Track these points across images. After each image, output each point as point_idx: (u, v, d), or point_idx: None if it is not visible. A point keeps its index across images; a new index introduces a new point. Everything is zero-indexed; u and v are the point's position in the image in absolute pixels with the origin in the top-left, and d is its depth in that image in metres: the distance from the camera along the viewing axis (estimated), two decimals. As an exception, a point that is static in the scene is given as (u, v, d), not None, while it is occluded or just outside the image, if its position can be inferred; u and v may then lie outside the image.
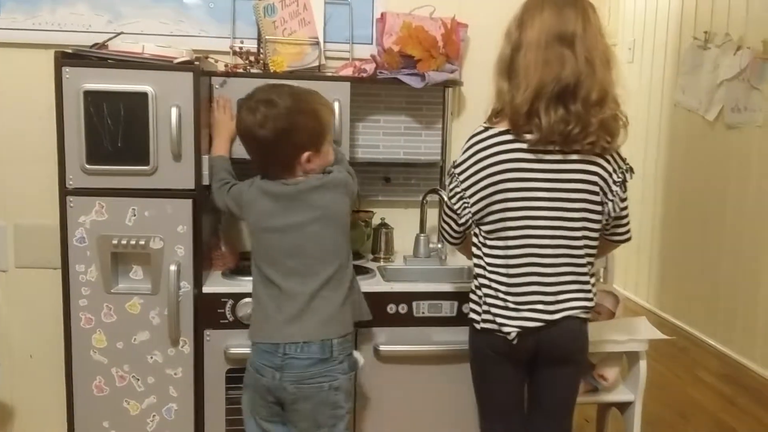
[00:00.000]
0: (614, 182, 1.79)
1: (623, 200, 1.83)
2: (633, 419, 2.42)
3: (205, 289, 2.10)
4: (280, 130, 1.79)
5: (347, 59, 2.51)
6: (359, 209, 2.57)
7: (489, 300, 1.80)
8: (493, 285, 1.80)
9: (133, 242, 2.03)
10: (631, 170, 1.83)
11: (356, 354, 1.96)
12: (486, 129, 1.79)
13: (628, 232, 1.91)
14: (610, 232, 1.88)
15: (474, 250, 1.85)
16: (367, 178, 2.60)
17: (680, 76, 4.38)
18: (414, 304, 2.18)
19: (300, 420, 1.85)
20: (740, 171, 3.85)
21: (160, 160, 2.01)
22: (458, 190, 1.81)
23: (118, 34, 2.32)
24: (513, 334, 1.77)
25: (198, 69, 2.02)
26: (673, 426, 3.07)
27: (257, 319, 1.90)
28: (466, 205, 1.81)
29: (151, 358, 2.08)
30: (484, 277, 1.82)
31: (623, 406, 2.47)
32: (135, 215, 2.03)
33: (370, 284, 2.21)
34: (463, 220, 1.82)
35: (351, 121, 2.45)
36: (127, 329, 2.07)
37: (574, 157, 1.75)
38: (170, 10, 2.46)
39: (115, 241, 2.03)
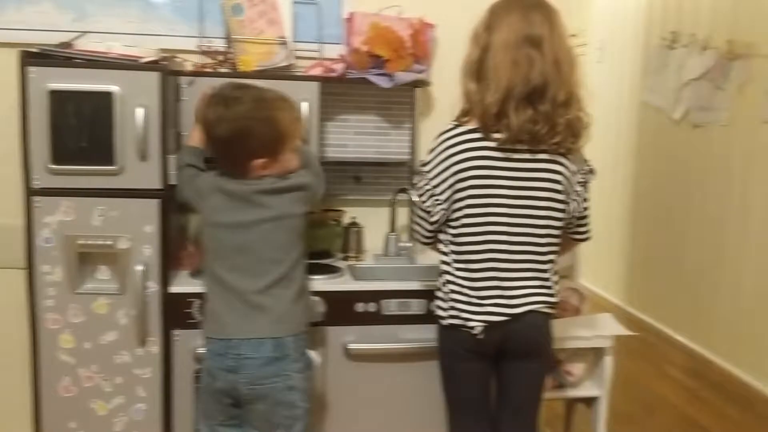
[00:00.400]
0: (578, 182, 1.84)
1: (585, 200, 1.88)
2: (599, 414, 2.47)
3: (173, 289, 2.09)
4: (233, 133, 1.81)
5: (316, 59, 2.52)
6: (330, 208, 2.58)
7: (454, 296, 1.84)
8: (458, 281, 1.83)
9: (99, 242, 2.02)
10: (592, 171, 1.87)
11: (312, 354, 1.97)
12: (455, 127, 1.82)
13: (588, 231, 1.97)
14: (573, 231, 1.92)
15: (441, 246, 1.88)
16: (337, 178, 2.61)
17: (648, 75, 4.45)
18: (383, 302, 2.19)
19: (256, 420, 1.86)
20: (704, 170, 3.93)
21: (127, 160, 2.01)
22: (428, 187, 1.84)
23: (84, 33, 2.31)
24: (478, 329, 1.81)
25: (164, 69, 2.01)
26: (638, 420, 3.13)
27: (207, 315, 1.92)
28: (437, 202, 1.83)
29: (119, 358, 2.07)
30: (449, 273, 1.85)
31: (590, 401, 2.51)
32: (101, 215, 2.02)
33: (338, 283, 2.23)
34: (435, 218, 1.85)
35: (321, 121, 2.47)
36: (94, 329, 2.06)
37: (541, 156, 1.79)
38: (137, 9, 2.44)
39: (81, 241, 2.02)
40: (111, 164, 2.00)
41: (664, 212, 4.32)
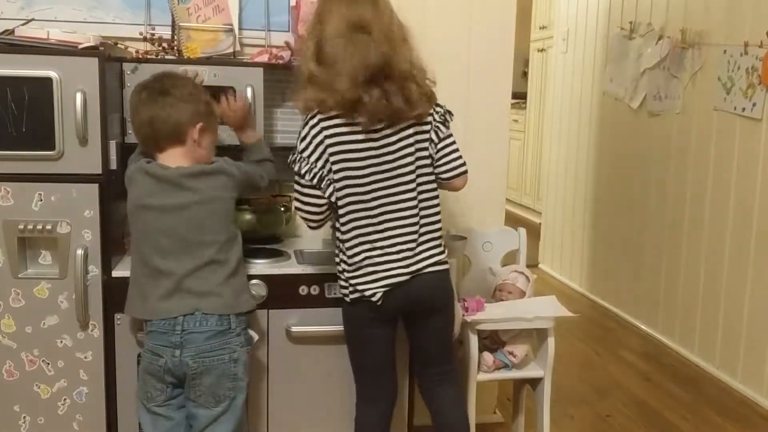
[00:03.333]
0: (436, 123, 1.99)
1: (448, 136, 2.01)
2: (543, 394, 2.52)
3: (115, 273, 2.11)
4: (142, 121, 1.94)
5: (263, 46, 2.54)
6: (278, 194, 2.61)
7: (347, 274, 1.98)
8: (348, 260, 1.96)
9: (39, 227, 2.04)
10: (449, 113, 2.02)
11: (251, 331, 2.03)
12: (318, 113, 1.93)
13: (462, 165, 2.04)
14: (443, 170, 2.02)
15: (332, 230, 2.03)
16: (286, 163, 2.63)
17: (608, 65, 4.50)
18: (326, 285, 2.22)
19: (200, 395, 1.90)
20: (662, 158, 3.99)
21: (66, 145, 2.03)
22: (310, 167, 1.93)
23: (29, 20, 2.32)
24: (378, 295, 1.94)
25: (103, 54, 2.03)
26: (590, 402, 3.19)
27: (132, 296, 1.97)
28: (323, 178, 1.93)
29: (61, 342, 2.09)
30: (342, 252, 1.98)
31: (534, 383, 2.56)
32: (41, 200, 2.04)
33: (283, 267, 2.25)
34: (328, 192, 1.94)
35: (269, 108, 2.51)
36: (35, 314, 2.08)
37: (406, 131, 1.94)
38: (84, -3, 2.46)
39: (21, 226, 2.03)
40: (51, 149, 2.02)
41: (624, 200, 4.38)
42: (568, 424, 2.97)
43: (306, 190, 1.96)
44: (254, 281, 2.14)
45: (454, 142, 2.02)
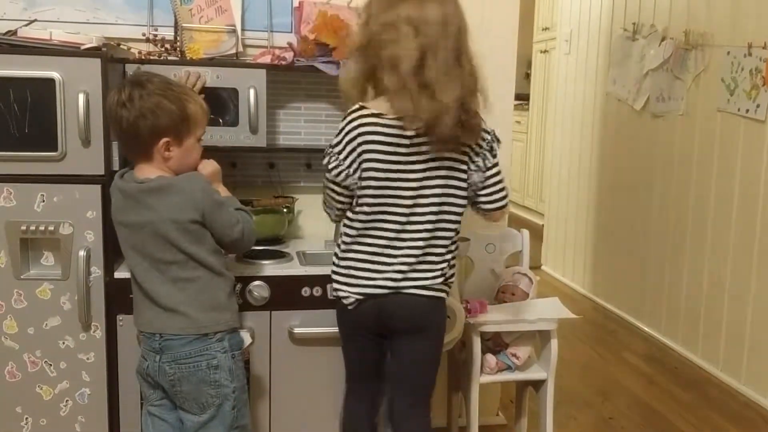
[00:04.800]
0: (484, 150, 1.92)
1: (494, 165, 1.93)
2: (546, 396, 2.51)
3: (117, 275, 2.11)
4: (143, 109, 1.78)
5: (266, 47, 2.54)
6: (281, 195, 2.61)
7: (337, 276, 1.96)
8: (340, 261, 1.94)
9: (42, 228, 2.04)
10: (497, 140, 1.92)
11: (243, 333, 1.98)
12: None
13: (506, 197, 1.97)
14: (487, 201, 1.95)
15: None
16: (289, 165, 2.64)
17: (611, 66, 4.49)
18: (328, 286, 2.21)
19: (183, 402, 1.89)
20: (665, 159, 3.98)
21: (69, 146, 2.02)
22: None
23: (32, 21, 2.32)
24: (351, 299, 1.90)
25: (105, 55, 2.03)
26: (591, 403, 3.18)
27: (134, 304, 1.97)
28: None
29: (63, 343, 2.09)
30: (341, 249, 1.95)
31: (537, 385, 2.55)
32: (44, 201, 2.04)
33: (286, 268, 2.25)
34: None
35: (272, 109, 2.51)
36: (38, 315, 2.08)
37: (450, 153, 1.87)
38: (86, -2, 2.46)
39: (23, 227, 2.03)
40: (53, 150, 2.02)
41: (627, 202, 4.37)
42: (571, 427, 2.96)
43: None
44: (257, 282, 2.14)
45: (499, 172, 1.92)
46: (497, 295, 2.59)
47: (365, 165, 1.83)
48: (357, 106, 1.85)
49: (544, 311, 2.46)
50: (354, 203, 1.89)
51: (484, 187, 1.91)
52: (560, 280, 5.14)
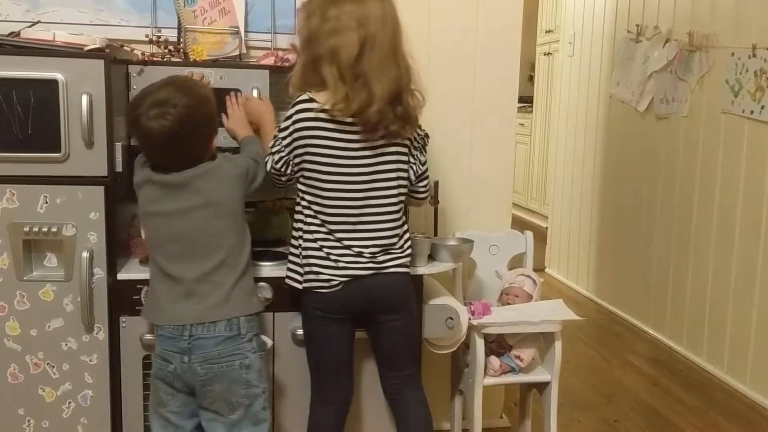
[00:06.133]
0: (418, 145, 2.10)
1: (426, 161, 2.12)
2: (550, 398, 2.50)
3: (120, 276, 2.11)
4: (183, 125, 1.83)
5: (269, 49, 2.54)
6: (284, 197, 2.60)
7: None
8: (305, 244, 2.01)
9: (45, 229, 2.03)
10: (427, 136, 2.10)
11: (264, 337, 1.99)
12: None
13: (428, 189, 2.19)
14: (420, 191, 2.14)
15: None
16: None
17: (615, 68, 4.49)
18: (330, 288, 2.21)
19: (213, 402, 1.86)
20: (669, 161, 3.97)
21: (72, 148, 2.02)
22: None
23: (35, 23, 2.32)
24: (335, 281, 1.94)
25: (108, 56, 2.03)
26: (595, 406, 3.17)
27: (148, 301, 1.96)
28: None
29: (66, 345, 2.08)
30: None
31: (541, 387, 2.54)
32: (47, 202, 2.03)
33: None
34: None
35: (275, 110, 2.49)
36: (40, 316, 2.07)
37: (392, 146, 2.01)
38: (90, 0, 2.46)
39: (26, 229, 2.03)
40: (56, 151, 2.01)
41: (631, 204, 4.36)
42: (575, 429, 2.95)
43: None
44: (260, 284, 2.13)
45: (428, 167, 2.11)
46: (501, 297, 2.58)
47: (310, 150, 1.93)
48: (305, 96, 1.94)
49: (547, 313, 2.45)
50: (306, 188, 1.98)
51: (419, 180, 2.08)
52: (564, 282, 5.12)
